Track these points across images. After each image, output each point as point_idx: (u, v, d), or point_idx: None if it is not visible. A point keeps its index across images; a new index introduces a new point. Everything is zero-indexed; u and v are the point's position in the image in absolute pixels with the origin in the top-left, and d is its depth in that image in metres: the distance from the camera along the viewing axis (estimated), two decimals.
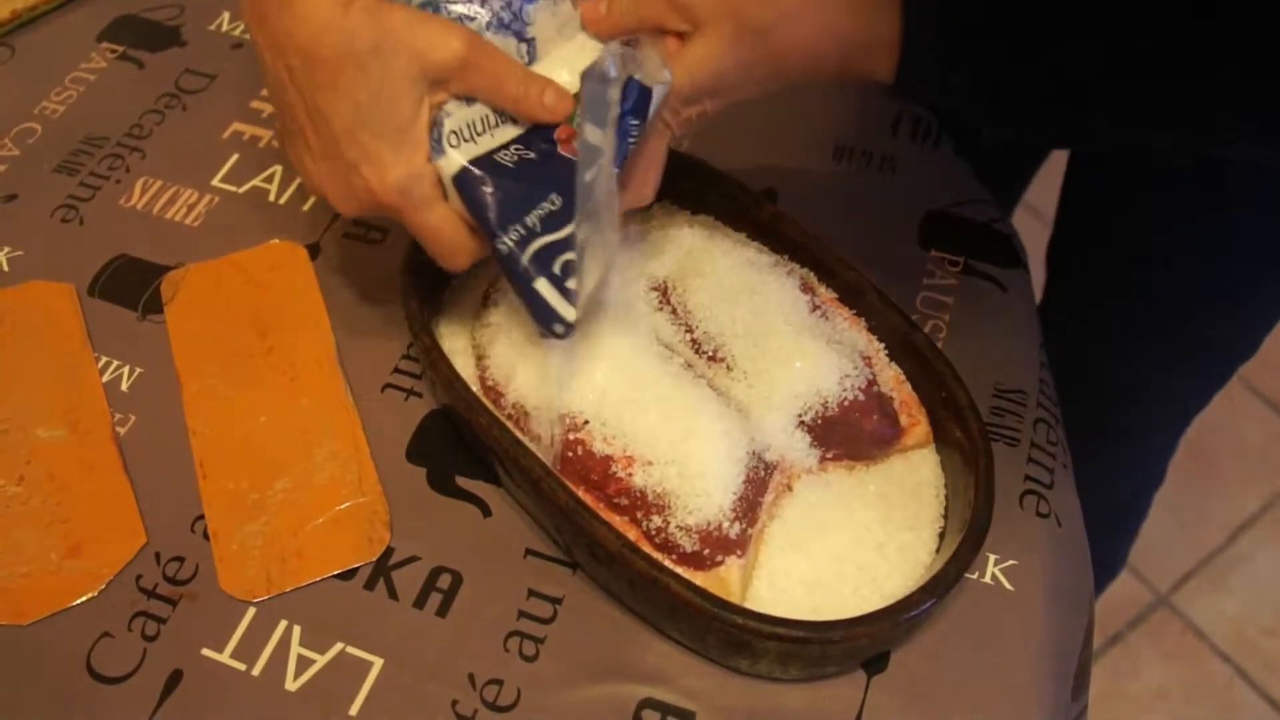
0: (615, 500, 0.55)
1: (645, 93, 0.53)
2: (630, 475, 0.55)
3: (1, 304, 0.69)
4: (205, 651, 0.56)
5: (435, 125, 0.52)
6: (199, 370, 0.66)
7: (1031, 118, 0.53)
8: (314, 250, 0.71)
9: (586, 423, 0.56)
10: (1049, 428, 0.64)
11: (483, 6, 0.54)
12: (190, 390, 0.65)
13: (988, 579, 0.58)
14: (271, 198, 0.75)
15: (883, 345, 0.62)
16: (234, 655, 0.56)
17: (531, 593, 0.57)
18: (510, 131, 0.55)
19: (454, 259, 0.55)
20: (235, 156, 0.77)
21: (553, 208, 0.53)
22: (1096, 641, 1.38)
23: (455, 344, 0.63)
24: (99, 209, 0.74)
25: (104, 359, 0.67)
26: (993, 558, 0.59)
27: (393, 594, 0.58)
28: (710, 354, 0.60)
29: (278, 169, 0.76)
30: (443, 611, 0.57)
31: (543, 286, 0.53)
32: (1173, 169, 0.72)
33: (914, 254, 0.71)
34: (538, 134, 0.55)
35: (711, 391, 0.57)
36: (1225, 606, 1.42)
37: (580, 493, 0.56)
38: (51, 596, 0.58)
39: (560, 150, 0.54)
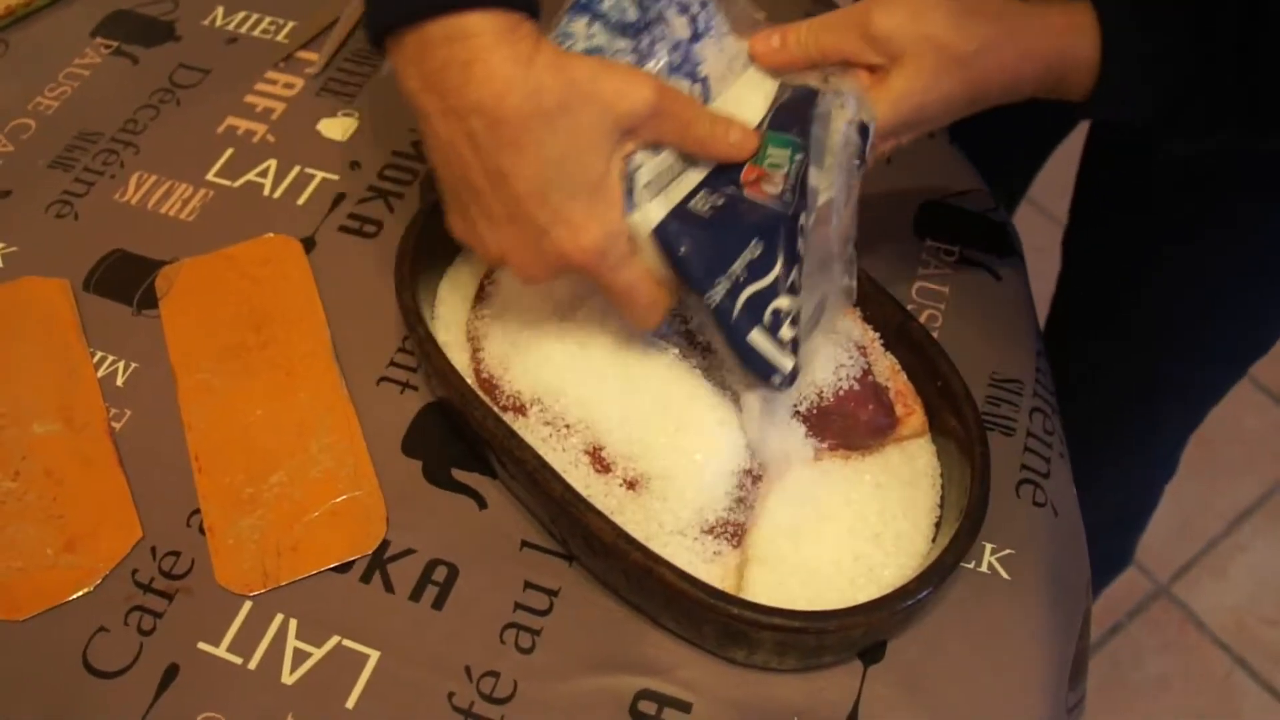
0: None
1: (865, 130, 0.51)
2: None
3: None
4: (201, 645, 0.56)
5: (627, 178, 0.50)
6: (194, 365, 0.66)
7: (1226, 130, 0.53)
8: (309, 244, 0.71)
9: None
10: (1045, 417, 0.64)
11: (650, 50, 0.52)
12: (185, 385, 0.65)
13: (984, 568, 0.58)
14: (266, 192, 0.74)
15: (878, 335, 0.62)
16: (230, 649, 0.56)
17: (528, 585, 0.57)
18: (694, 176, 0.53)
19: (648, 317, 0.53)
20: (230, 151, 0.77)
21: (754, 255, 0.51)
22: (1096, 631, 1.38)
23: (450, 336, 0.63)
24: (93, 204, 0.74)
25: (99, 354, 0.67)
26: (989, 547, 0.59)
27: (389, 587, 0.58)
28: (705, 345, 0.60)
29: (272, 163, 0.76)
30: (439, 604, 0.57)
31: (757, 338, 0.52)
32: (1192, 169, 0.71)
33: (909, 244, 0.71)
34: (722, 176, 0.53)
35: (706, 383, 0.57)
36: (1225, 596, 1.42)
37: None
38: (47, 591, 0.58)
39: (747, 193, 0.52)
